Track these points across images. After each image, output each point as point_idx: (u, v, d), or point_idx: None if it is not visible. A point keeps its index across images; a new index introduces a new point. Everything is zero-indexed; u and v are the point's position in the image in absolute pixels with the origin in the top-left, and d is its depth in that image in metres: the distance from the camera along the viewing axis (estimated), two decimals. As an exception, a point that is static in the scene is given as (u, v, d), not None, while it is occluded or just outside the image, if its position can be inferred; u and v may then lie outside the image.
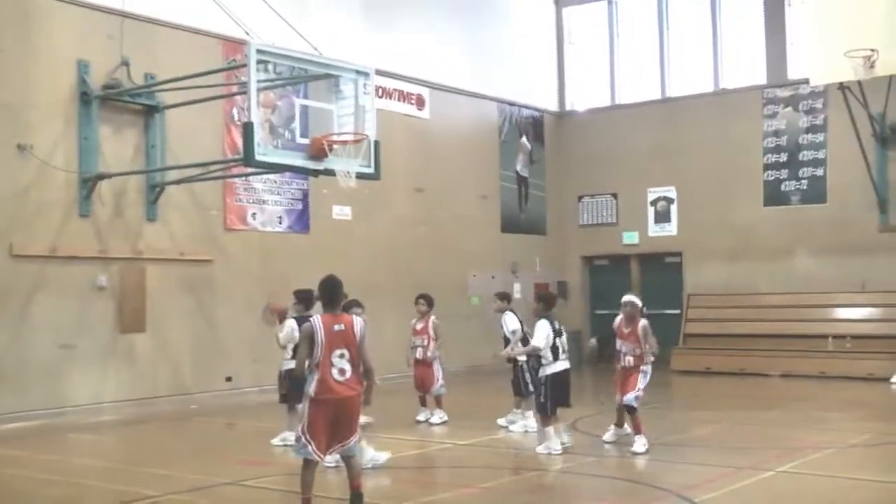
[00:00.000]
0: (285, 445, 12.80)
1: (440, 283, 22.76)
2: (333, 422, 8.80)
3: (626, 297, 13.17)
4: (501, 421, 14.97)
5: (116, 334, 17.36)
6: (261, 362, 19.53)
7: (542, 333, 12.85)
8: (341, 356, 8.80)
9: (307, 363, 8.77)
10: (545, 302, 13.49)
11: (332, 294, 9.25)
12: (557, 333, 13.09)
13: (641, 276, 27.42)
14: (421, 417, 15.62)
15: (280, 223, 20.22)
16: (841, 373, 21.86)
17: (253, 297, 19.52)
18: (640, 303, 13.30)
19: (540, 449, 12.57)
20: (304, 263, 20.41)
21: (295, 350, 11.74)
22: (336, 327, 8.86)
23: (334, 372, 8.75)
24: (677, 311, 26.07)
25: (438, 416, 15.45)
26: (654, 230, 26.82)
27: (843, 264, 23.79)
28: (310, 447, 8.75)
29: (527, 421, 14.55)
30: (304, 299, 13.27)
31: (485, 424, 15.26)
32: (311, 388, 8.76)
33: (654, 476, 11.15)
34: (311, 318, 8.97)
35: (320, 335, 8.75)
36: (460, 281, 24.42)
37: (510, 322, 14.78)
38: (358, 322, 9.10)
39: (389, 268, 22.39)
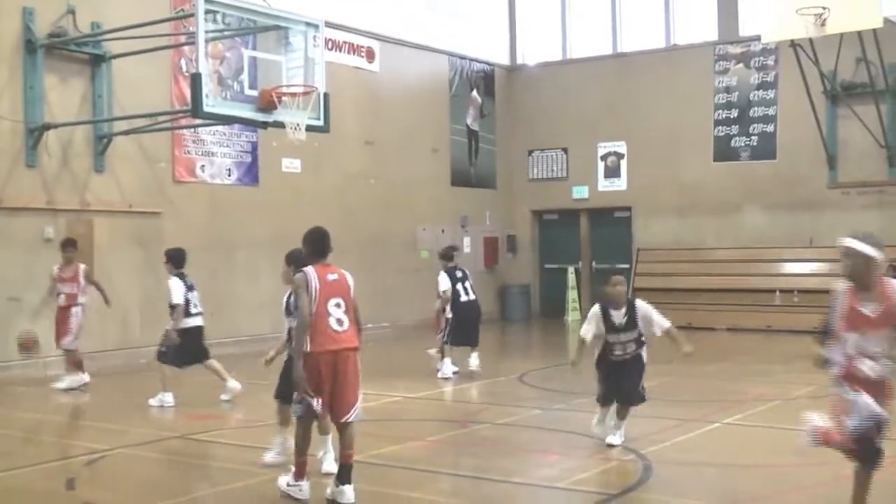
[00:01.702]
0: (161, 407, 13.11)
1: (389, 237, 22.79)
2: (334, 377, 8.15)
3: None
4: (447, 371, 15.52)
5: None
6: (209, 315, 19.43)
7: (444, 284, 15.77)
8: (337, 306, 8.30)
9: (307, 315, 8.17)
10: (444, 257, 16.35)
11: (321, 244, 8.82)
12: (459, 280, 15.86)
13: (591, 230, 27.54)
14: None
15: (229, 175, 20.07)
16: (787, 327, 22.11)
17: (202, 251, 19.43)
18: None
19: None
20: (253, 216, 20.37)
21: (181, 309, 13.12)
22: (330, 276, 8.43)
23: (332, 322, 8.20)
24: (626, 266, 26.22)
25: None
26: (603, 185, 26.89)
27: (791, 220, 24.02)
28: (314, 401, 8.08)
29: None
30: (173, 258, 13.71)
31: (435, 378, 15.34)
32: (307, 342, 8.11)
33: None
34: (303, 269, 8.46)
35: (315, 284, 8.26)
36: (410, 234, 24.41)
37: (441, 282, 15.97)
38: (348, 274, 8.66)
39: (339, 221, 22.23)
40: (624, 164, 26.55)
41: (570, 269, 27.04)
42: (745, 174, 24.76)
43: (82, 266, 15.48)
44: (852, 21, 19.50)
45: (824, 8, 19.34)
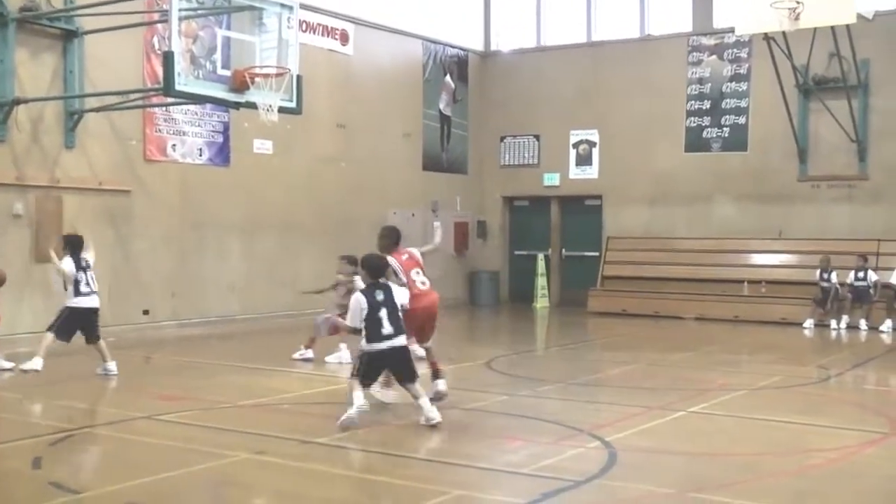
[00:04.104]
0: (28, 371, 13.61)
1: (360, 220, 22.75)
2: (427, 318, 11.50)
3: None
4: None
5: (32, 264, 17.07)
6: (178, 296, 19.45)
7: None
8: (417, 273, 11.55)
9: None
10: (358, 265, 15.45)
11: (396, 236, 12.00)
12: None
13: (561, 218, 27.62)
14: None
15: (200, 155, 19.99)
16: (755, 317, 22.31)
17: (172, 230, 19.40)
18: None
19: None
20: (223, 196, 20.32)
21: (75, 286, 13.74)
22: (404, 256, 11.62)
23: (418, 283, 11.45)
24: (596, 254, 26.34)
25: None
26: (575, 173, 26.96)
27: (761, 212, 24.18)
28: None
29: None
30: (70, 243, 14.21)
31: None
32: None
33: (565, 415, 11.29)
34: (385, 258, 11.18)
35: (397, 266, 11.35)
36: (380, 218, 24.31)
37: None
38: (414, 249, 12.00)
39: (309, 203, 22.31)
40: (596, 152, 26.62)
41: (540, 256, 27.12)
42: (716, 165, 24.88)
43: None
44: (826, 16, 19.64)
45: (798, 2, 19.50)
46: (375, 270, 10.78)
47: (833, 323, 21.24)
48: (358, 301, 10.50)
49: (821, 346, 19.51)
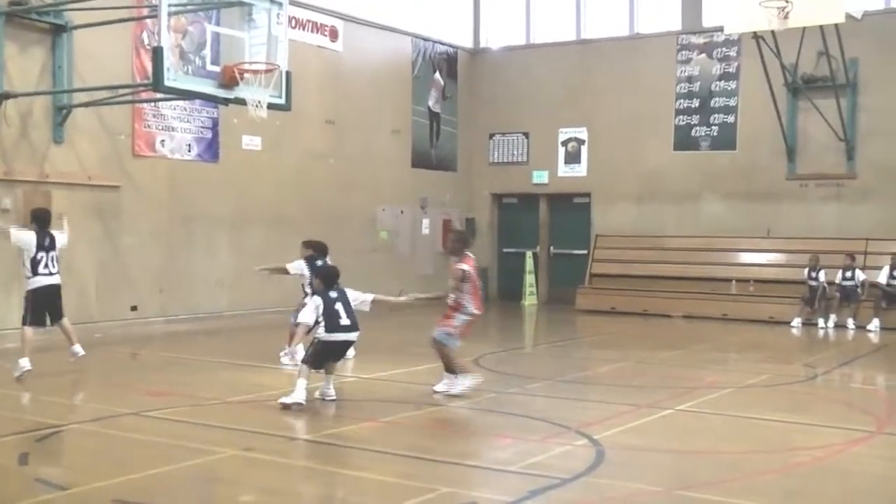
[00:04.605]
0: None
1: (349, 217, 22.74)
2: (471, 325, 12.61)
3: None
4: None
5: (20, 259, 16.97)
6: (166, 292, 19.41)
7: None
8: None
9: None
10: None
11: (468, 240, 13.23)
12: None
13: (550, 215, 27.63)
14: None
15: (189, 151, 19.95)
16: (743, 316, 22.35)
17: (160, 226, 19.36)
18: None
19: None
20: (212, 192, 20.29)
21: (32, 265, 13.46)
22: (474, 263, 12.53)
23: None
24: (584, 252, 26.36)
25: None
26: (563, 170, 26.98)
27: (749, 210, 24.23)
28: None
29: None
30: (36, 219, 13.85)
31: (390, 358, 15.36)
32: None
33: (553, 413, 11.30)
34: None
35: (472, 271, 12.26)
36: (369, 215, 24.39)
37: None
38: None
39: (298, 200, 22.28)
40: (584, 150, 26.64)
41: (529, 254, 27.12)
42: (704, 164, 24.92)
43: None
44: (814, 15, 19.70)
45: (787, 1, 19.56)
46: (329, 280, 11.78)
47: (821, 322, 21.30)
48: (313, 300, 11.66)
49: (808, 345, 19.56)
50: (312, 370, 11.46)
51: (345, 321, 11.44)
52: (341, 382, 13.54)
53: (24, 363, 13.38)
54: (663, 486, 8.27)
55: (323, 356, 11.54)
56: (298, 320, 12.08)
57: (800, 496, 8.21)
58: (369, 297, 12.13)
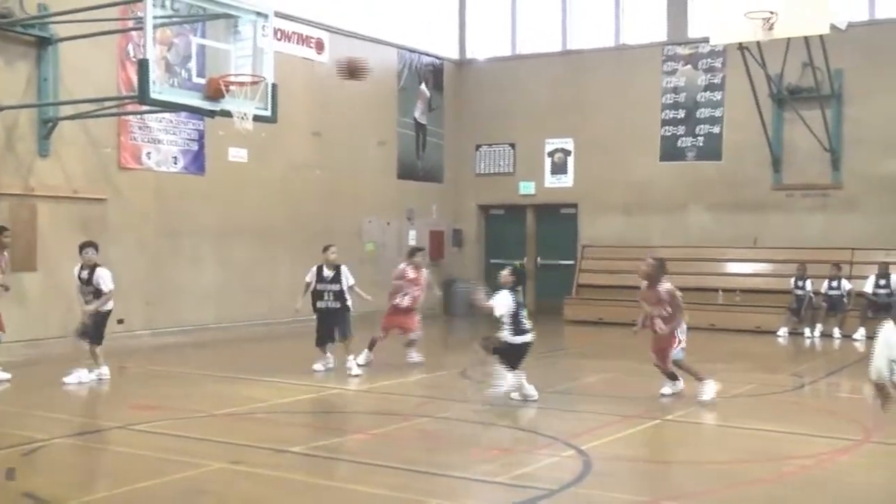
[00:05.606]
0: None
1: (335, 229, 22.71)
2: None
3: None
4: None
5: (7, 272, 16.95)
6: (154, 305, 19.37)
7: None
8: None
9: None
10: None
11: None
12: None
13: (537, 226, 27.66)
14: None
15: (175, 163, 19.92)
16: (730, 325, 22.35)
17: (147, 238, 19.32)
18: None
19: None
20: (198, 205, 20.25)
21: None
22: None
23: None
24: (571, 262, 26.38)
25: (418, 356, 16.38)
26: (550, 181, 27.01)
27: (736, 220, 24.27)
28: None
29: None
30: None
31: (378, 371, 15.35)
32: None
33: (541, 423, 11.32)
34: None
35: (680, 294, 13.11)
36: (355, 226, 24.36)
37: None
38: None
39: (284, 212, 22.26)
40: (571, 160, 26.67)
41: (516, 265, 27.05)
42: (690, 174, 24.97)
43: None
44: (800, 26, 19.77)
45: (772, 12, 19.62)
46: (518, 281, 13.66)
47: (807, 331, 21.34)
48: (505, 295, 12.98)
49: (795, 355, 19.59)
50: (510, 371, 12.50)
51: (527, 325, 12.77)
52: (330, 394, 13.55)
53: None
54: (651, 496, 8.29)
55: (515, 358, 12.59)
56: (498, 311, 12.77)
57: (788, 506, 8.22)
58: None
